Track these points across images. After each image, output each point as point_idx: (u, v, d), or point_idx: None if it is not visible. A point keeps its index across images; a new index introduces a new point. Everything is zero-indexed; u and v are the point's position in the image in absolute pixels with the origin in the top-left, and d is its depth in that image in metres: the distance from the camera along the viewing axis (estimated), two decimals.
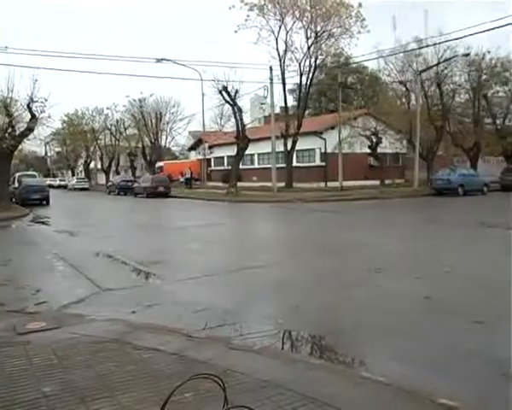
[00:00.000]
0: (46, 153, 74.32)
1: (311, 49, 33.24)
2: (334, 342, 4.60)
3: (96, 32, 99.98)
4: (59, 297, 6.14)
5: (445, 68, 31.13)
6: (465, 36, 27.03)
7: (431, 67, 30.35)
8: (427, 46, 29.40)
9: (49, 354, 3.83)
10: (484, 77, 32.05)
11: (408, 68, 31.44)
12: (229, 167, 34.72)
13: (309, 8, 32.41)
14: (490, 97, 32.59)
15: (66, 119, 53.51)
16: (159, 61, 29.66)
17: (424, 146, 31.98)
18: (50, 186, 38.94)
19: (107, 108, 50.19)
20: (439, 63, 30.16)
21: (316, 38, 32.91)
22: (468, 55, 29.45)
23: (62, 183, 58.11)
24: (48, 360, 3.71)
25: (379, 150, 31.24)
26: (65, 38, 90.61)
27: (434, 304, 5.54)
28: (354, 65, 40.86)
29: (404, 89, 32.56)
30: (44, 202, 25.87)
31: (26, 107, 22.81)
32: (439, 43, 28.60)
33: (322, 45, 33.42)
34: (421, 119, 28.75)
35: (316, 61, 34.21)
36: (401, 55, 30.95)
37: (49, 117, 24.93)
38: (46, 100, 22.96)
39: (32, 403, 3.02)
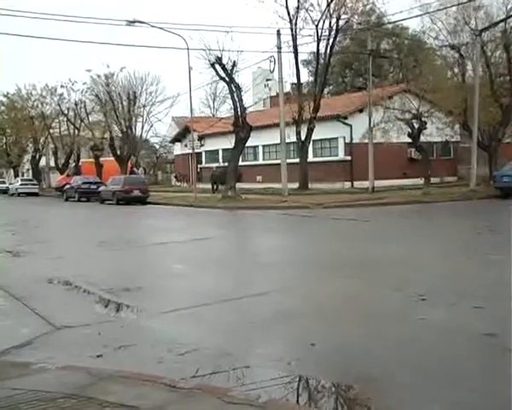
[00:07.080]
0: None
1: (332, 5, 33.30)
2: (364, 392, 4.61)
3: None
4: None
5: None
6: None
7: (496, 23, 29.98)
8: None
9: None
10: None
11: (463, 27, 31.18)
12: (226, 164, 34.83)
13: None
14: None
15: (4, 100, 53.94)
16: (130, 23, 29.84)
17: (485, 132, 31.88)
18: None
19: (62, 87, 50.44)
20: (507, 18, 29.83)
21: None
22: None
23: (1, 186, 58.29)
24: None
25: (422, 139, 31.18)
26: None
27: (498, 344, 5.54)
28: (389, 26, 40.90)
29: (457, 55, 32.49)
30: None
31: None
32: None
33: (347, 0, 33.53)
34: (480, 95, 28.65)
35: (338, 21, 34.26)
36: (454, 9, 30.63)
37: None
38: None
39: None
